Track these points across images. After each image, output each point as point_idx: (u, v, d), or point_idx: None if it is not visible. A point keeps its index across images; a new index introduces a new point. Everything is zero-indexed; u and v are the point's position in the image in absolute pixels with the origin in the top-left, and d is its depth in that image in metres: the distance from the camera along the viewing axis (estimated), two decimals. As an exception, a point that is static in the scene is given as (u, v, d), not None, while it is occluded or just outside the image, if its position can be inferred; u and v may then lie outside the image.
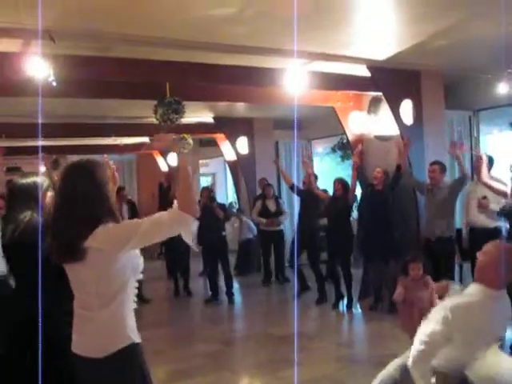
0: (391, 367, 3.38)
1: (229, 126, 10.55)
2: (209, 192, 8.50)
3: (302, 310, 7.50)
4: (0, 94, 6.44)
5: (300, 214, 8.09)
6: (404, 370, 3.12)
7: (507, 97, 7.18)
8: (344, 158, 11.36)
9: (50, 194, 3.30)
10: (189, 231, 2.38)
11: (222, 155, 12.80)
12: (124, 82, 6.40)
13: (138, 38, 5.10)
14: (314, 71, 6.57)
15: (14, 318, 3.06)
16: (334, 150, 11.39)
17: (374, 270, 7.24)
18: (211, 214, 8.09)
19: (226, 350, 6.05)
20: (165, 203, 8.23)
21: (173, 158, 13.16)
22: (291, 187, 8.40)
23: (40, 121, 5.70)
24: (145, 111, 9.41)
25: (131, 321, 2.37)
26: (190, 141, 9.93)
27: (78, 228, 2.27)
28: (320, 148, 12.45)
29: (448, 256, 6.19)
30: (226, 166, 15.08)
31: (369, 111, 7.61)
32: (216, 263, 8.41)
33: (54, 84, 4.30)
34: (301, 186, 8.29)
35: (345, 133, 8.13)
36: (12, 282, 4.12)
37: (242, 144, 10.58)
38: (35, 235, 2.83)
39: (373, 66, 6.64)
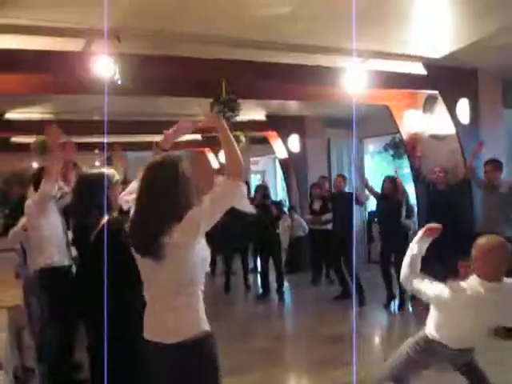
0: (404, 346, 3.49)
1: (281, 123, 10.59)
2: (264, 189, 8.57)
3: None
4: (66, 92, 6.68)
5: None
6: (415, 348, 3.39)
7: None
8: (395, 156, 11.21)
9: (119, 189, 3.40)
10: (241, 196, 2.44)
11: (272, 153, 12.87)
12: (180, 80, 6.51)
13: (195, 36, 5.22)
14: (370, 69, 6.53)
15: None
16: (385, 148, 11.24)
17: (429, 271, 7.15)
18: (266, 212, 8.19)
19: (278, 346, 6.10)
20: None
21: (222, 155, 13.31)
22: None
23: (106, 118, 5.82)
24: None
25: (202, 311, 2.45)
26: (243, 138, 10.04)
27: (160, 223, 2.32)
28: (371, 147, 12.35)
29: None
30: (276, 163, 15.20)
31: (424, 110, 7.50)
32: (268, 260, 8.49)
33: (119, 82, 4.45)
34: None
35: (399, 131, 8.04)
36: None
37: (294, 142, 10.61)
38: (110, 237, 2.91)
39: (429, 63, 6.58)
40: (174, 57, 5.77)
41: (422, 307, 7.16)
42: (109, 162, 12.10)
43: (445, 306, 3.22)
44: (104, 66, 4.53)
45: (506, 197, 6.09)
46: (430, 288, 3.23)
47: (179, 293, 2.38)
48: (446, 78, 6.83)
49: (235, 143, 2.47)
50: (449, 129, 7.12)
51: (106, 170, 3.39)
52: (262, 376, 5.11)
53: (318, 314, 7.64)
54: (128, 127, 10.68)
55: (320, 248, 9.30)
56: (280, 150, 11.13)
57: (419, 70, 6.74)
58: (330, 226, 9.23)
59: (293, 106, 9.94)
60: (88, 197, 3.29)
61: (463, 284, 3.17)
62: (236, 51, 5.79)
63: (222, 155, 13.29)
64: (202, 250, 2.45)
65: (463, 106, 6.90)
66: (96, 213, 3.22)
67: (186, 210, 2.34)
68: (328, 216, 9.08)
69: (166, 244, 2.30)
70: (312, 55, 6.12)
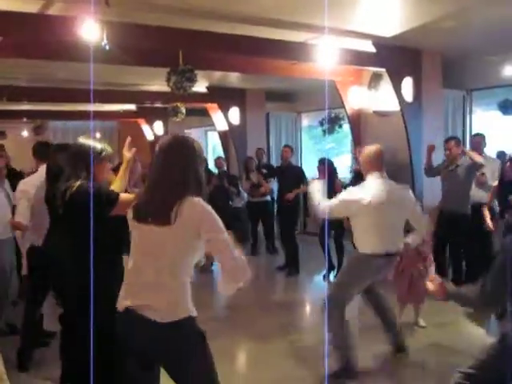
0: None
1: (222, 96, 10.59)
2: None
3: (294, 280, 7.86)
4: (51, 58, 6.47)
5: None
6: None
7: (499, 78, 7.53)
8: (328, 132, 11.53)
9: (108, 165, 3.39)
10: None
11: (205, 125, 12.87)
12: (136, 49, 6.34)
13: (161, 4, 5.13)
14: (323, 46, 6.66)
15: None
16: (321, 123, 11.53)
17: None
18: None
19: (234, 315, 6.24)
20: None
21: (159, 126, 13.16)
22: None
23: (92, 87, 5.59)
24: (135, 78, 9.49)
25: (190, 294, 2.50)
26: (183, 110, 9.98)
27: (170, 190, 2.40)
28: (305, 121, 12.62)
29: (461, 232, 6.42)
30: (208, 135, 15.22)
31: (369, 87, 7.79)
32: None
33: (107, 48, 4.32)
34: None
35: (343, 106, 8.30)
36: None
37: (234, 114, 10.65)
38: (86, 199, 2.94)
39: (379, 42, 6.81)
40: (130, 24, 5.60)
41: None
42: (38, 132, 11.71)
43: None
44: (88, 31, 4.37)
45: (466, 174, 6.37)
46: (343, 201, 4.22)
47: (174, 274, 2.42)
48: (394, 57, 7.11)
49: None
50: (392, 106, 7.44)
51: (96, 143, 3.33)
52: (224, 343, 5.22)
53: (264, 283, 7.85)
54: (58, 94, 10.33)
55: (259, 219, 9.51)
56: (220, 122, 11.15)
57: (367, 47, 6.97)
58: (268, 198, 9.48)
59: (234, 79, 9.96)
60: (70, 166, 3.26)
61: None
62: (199, 22, 5.73)
63: (156, 126, 13.16)
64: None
65: (407, 85, 7.22)
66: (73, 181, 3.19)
67: (195, 187, 2.44)
68: (272, 185, 9.27)
69: (176, 213, 2.34)
70: (267, 29, 6.16)
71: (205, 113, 11.59)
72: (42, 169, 4.21)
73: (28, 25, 5.12)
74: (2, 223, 4.72)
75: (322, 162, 7.58)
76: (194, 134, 15.75)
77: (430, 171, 6.78)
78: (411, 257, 5.47)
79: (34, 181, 4.47)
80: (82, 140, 3.32)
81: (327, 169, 7.58)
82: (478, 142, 6.74)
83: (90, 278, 2.87)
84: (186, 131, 14.75)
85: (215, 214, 2.43)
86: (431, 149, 6.72)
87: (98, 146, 3.30)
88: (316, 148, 12.86)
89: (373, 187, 4.21)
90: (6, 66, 7.68)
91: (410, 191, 4.54)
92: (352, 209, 4.21)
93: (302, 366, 4.66)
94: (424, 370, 4.57)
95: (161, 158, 2.52)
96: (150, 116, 13.18)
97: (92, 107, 12.59)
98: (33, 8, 5.18)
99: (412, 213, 4.42)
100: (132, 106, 12.83)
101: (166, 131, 13.29)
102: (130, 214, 2.56)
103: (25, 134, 13.36)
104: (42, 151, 4.70)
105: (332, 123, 10.96)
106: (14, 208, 4.68)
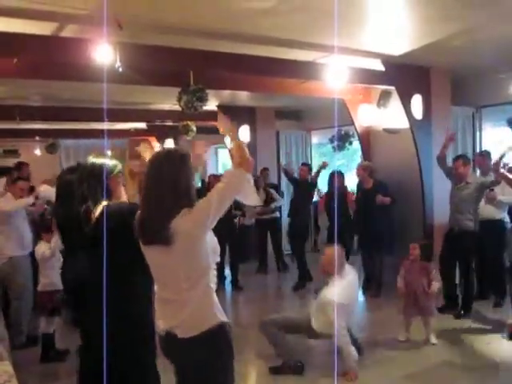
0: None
1: (232, 114, 10.66)
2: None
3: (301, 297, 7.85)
4: (64, 79, 6.56)
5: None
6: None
7: (508, 95, 7.55)
8: (338, 149, 11.56)
9: (119, 180, 3.35)
10: (248, 184, 2.54)
11: (215, 143, 12.94)
12: (149, 69, 6.42)
13: (172, 26, 5.22)
14: (333, 65, 6.74)
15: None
16: (331, 141, 11.57)
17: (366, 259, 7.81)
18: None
19: (242, 333, 6.21)
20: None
21: (170, 143, 13.25)
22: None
23: (106, 106, 5.68)
24: (146, 97, 9.59)
25: (216, 303, 2.50)
26: (194, 128, 10.08)
27: (166, 210, 2.40)
28: (315, 139, 12.66)
29: (470, 248, 6.38)
30: (218, 152, 15.29)
31: (378, 104, 7.82)
32: (224, 250, 8.53)
33: (120, 70, 4.39)
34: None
35: (352, 124, 8.35)
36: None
37: (245, 132, 10.71)
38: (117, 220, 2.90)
39: (387, 60, 6.87)
40: (141, 45, 5.71)
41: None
42: (50, 150, 11.81)
43: None
44: (104, 54, 4.46)
45: (475, 191, 6.32)
46: None
47: (191, 286, 2.42)
48: (402, 75, 7.16)
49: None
50: (402, 123, 7.47)
51: (106, 161, 3.35)
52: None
53: (276, 301, 7.85)
54: (69, 114, 10.47)
55: (268, 237, 9.54)
56: (230, 140, 11.18)
57: (376, 66, 7.03)
58: (277, 214, 9.53)
59: (244, 97, 10.03)
60: (86, 186, 3.25)
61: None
62: (206, 42, 5.81)
63: (167, 144, 13.25)
64: (210, 241, 2.52)
65: (417, 102, 7.26)
66: (91, 203, 3.19)
67: (189, 201, 2.44)
68: (276, 204, 9.31)
69: (175, 231, 2.35)
70: (275, 48, 6.22)
71: (215, 131, 11.66)
72: None
73: (42, 46, 5.21)
74: (22, 240, 4.80)
75: (332, 174, 7.89)
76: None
77: (442, 161, 6.55)
78: (415, 272, 5.54)
79: None
80: (93, 159, 3.34)
81: (338, 180, 7.73)
82: (479, 160, 6.82)
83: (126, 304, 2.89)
84: (196, 149, 14.87)
85: (197, 204, 2.44)
86: (451, 138, 6.53)
87: (110, 163, 3.32)
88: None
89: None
90: (19, 85, 7.83)
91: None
92: None
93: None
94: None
95: (150, 175, 2.52)
96: (161, 134, 13.28)
97: (104, 126, 12.77)
98: (47, 30, 5.29)
99: None
100: (143, 125, 12.94)
101: (177, 149, 13.33)
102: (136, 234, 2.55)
103: (37, 152, 13.50)
104: None
105: (342, 140, 11.00)
106: None
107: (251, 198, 2.68)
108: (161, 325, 2.54)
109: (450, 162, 6.64)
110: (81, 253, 3.44)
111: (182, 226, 2.36)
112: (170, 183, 2.45)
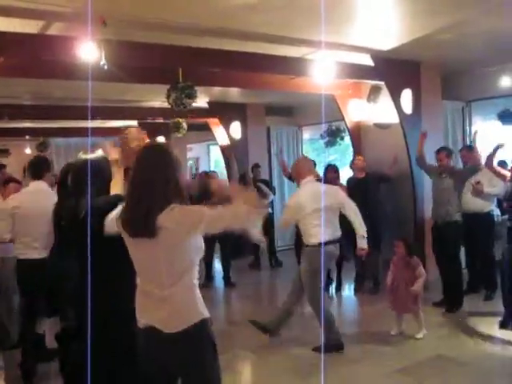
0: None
1: (223, 110, 10.64)
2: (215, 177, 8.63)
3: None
4: (51, 77, 6.55)
5: None
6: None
7: (497, 89, 7.57)
8: (329, 144, 11.56)
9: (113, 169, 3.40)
10: (255, 225, 2.50)
11: (207, 140, 12.92)
12: (138, 67, 6.41)
13: (158, 23, 5.18)
14: (321, 60, 6.73)
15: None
16: (322, 136, 11.56)
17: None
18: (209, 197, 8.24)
19: (234, 330, 6.22)
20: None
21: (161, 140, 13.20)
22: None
23: (90, 104, 5.65)
24: (137, 95, 9.56)
25: (199, 297, 2.50)
26: (185, 125, 10.03)
27: (152, 203, 2.39)
28: (307, 135, 12.66)
29: (454, 239, 6.39)
30: (210, 149, 15.27)
31: (368, 99, 7.83)
32: (213, 247, 8.51)
33: (106, 67, 4.36)
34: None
35: (343, 119, 8.34)
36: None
37: (236, 129, 10.70)
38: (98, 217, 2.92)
39: (377, 55, 6.84)
40: (131, 42, 5.67)
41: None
42: (41, 149, 11.74)
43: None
44: (88, 51, 4.43)
45: (451, 183, 6.36)
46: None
47: (174, 282, 2.42)
48: (392, 70, 7.14)
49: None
50: (392, 118, 7.47)
51: (96, 155, 3.37)
52: (225, 357, 5.20)
53: (267, 297, 7.84)
54: (61, 112, 10.40)
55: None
56: (222, 136, 11.19)
57: (365, 61, 7.01)
58: (270, 210, 9.50)
59: (234, 94, 10.02)
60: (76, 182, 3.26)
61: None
62: (196, 39, 5.80)
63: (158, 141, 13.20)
64: (196, 237, 2.50)
65: (406, 97, 7.25)
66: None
67: (176, 195, 2.43)
68: (267, 199, 9.27)
69: (159, 225, 2.34)
70: (265, 44, 6.19)
71: (207, 127, 11.64)
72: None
73: (27, 45, 5.17)
74: None
75: (326, 167, 7.87)
76: (196, 148, 15.89)
77: (422, 160, 6.70)
78: (401, 268, 5.59)
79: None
80: (84, 155, 3.35)
81: (334, 173, 7.66)
82: (465, 154, 6.79)
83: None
84: (188, 146, 14.88)
85: (191, 206, 2.44)
86: (423, 136, 6.71)
87: (100, 156, 3.35)
88: (318, 160, 12.86)
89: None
90: (7, 84, 7.77)
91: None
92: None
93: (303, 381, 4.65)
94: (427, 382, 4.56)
95: (136, 171, 2.52)
96: (152, 131, 13.21)
97: (95, 124, 12.74)
98: (33, 29, 5.25)
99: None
100: (133, 122, 12.88)
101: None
102: (121, 230, 2.54)
103: (28, 151, 13.45)
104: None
105: (333, 136, 11.00)
106: None
107: (253, 234, 2.60)
108: (141, 319, 2.53)
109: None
110: (72, 250, 3.47)
111: (166, 222, 2.35)
112: (157, 176, 2.44)
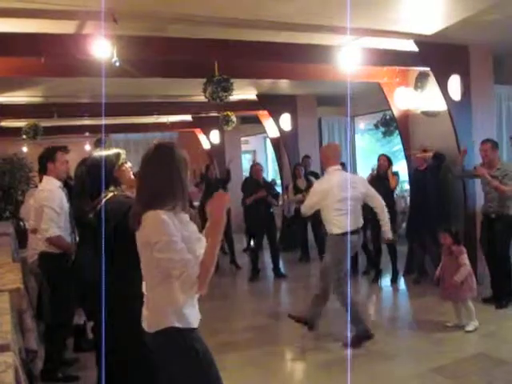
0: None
1: (272, 103, 10.57)
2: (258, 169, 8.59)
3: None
4: (64, 75, 6.68)
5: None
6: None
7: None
8: (386, 134, 11.26)
9: (127, 165, 3.46)
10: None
11: (262, 132, 12.89)
12: (173, 61, 6.47)
13: (188, 17, 5.19)
14: (362, 47, 6.55)
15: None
16: (376, 126, 11.29)
17: (419, 246, 7.40)
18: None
19: (273, 324, 6.19)
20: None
21: (215, 135, 13.36)
22: None
23: (103, 101, 5.81)
24: (187, 89, 9.64)
25: (179, 305, 2.42)
26: (234, 118, 10.06)
27: (145, 202, 2.43)
28: (362, 124, 12.41)
29: (501, 234, 6.09)
30: (267, 142, 15.21)
31: (415, 87, 7.54)
32: (262, 239, 8.52)
33: (117, 64, 4.43)
34: None
35: (390, 108, 8.08)
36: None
37: (286, 121, 10.60)
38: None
39: (421, 40, 6.56)
40: (167, 38, 5.78)
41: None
42: (99, 145, 12.14)
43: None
44: (101, 48, 4.51)
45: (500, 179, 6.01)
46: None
47: (157, 284, 2.44)
48: (438, 55, 6.83)
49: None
50: (440, 105, 7.15)
51: (110, 151, 3.43)
52: (258, 353, 5.21)
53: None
54: (118, 109, 10.64)
55: (307, 226, 9.43)
56: (271, 129, 11.14)
57: (411, 47, 6.75)
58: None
59: (284, 85, 9.92)
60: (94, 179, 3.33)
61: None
62: (228, 31, 5.79)
63: (212, 135, 13.32)
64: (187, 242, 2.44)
65: (454, 83, 6.91)
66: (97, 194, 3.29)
67: (176, 198, 2.44)
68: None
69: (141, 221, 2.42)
70: (303, 34, 6.11)
71: (259, 120, 11.63)
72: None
73: (66, 45, 5.30)
74: None
75: (379, 157, 7.77)
76: (252, 141, 15.90)
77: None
78: (447, 258, 5.54)
79: None
80: (97, 153, 3.43)
81: (382, 164, 7.47)
82: (485, 149, 6.18)
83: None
84: (244, 139, 14.90)
85: (167, 228, 2.34)
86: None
87: (112, 153, 3.38)
88: (380, 150, 12.39)
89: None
90: (60, 84, 8.03)
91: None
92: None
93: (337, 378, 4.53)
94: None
95: (141, 169, 2.56)
96: (206, 125, 13.35)
97: (150, 120, 13.01)
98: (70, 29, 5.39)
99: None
100: (188, 117, 13.05)
101: (222, 140, 13.43)
102: None
103: (87, 147, 13.89)
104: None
105: (388, 125, 10.72)
106: None
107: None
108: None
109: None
110: (89, 247, 3.55)
111: (144, 223, 2.39)
112: (155, 180, 2.47)
